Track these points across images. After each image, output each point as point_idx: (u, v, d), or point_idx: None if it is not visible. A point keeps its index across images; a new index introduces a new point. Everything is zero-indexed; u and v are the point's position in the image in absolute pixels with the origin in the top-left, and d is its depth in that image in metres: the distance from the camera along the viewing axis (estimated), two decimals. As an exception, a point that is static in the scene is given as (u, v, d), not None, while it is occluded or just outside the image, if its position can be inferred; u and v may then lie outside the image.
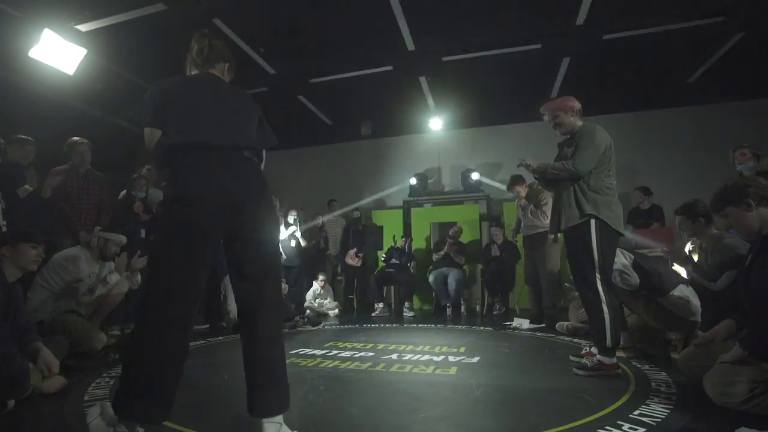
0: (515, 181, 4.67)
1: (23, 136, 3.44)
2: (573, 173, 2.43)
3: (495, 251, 5.55)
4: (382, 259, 6.05)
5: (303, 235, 5.88)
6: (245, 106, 1.63)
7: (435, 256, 5.83)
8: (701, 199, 2.77)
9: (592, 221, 2.38)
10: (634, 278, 2.63)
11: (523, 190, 4.60)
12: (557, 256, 4.40)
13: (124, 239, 3.37)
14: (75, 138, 3.71)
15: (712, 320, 2.47)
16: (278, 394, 1.48)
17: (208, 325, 4.41)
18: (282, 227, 5.40)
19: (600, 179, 2.44)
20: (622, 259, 2.65)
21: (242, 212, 1.45)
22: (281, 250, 5.26)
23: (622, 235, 2.52)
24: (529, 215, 4.47)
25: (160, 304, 1.37)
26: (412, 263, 6.06)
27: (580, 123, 2.57)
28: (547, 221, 4.22)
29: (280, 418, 1.46)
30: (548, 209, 4.27)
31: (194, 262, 1.40)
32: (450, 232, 5.96)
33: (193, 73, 1.66)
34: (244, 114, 1.60)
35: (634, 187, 5.55)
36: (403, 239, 6.27)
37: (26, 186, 3.21)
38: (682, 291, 2.60)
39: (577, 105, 2.59)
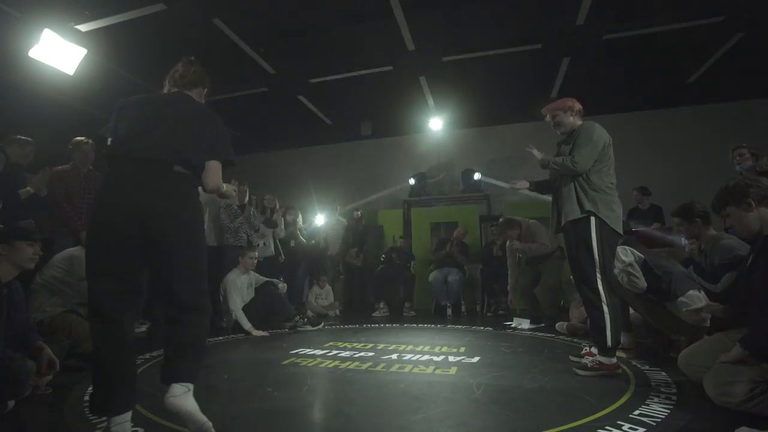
0: (508, 225, 4.61)
1: (22, 137, 3.42)
2: (571, 169, 2.44)
3: (496, 251, 5.53)
4: (382, 259, 6.03)
5: (302, 234, 5.88)
6: (195, 119, 1.68)
7: (437, 255, 5.83)
8: (700, 199, 2.76)
9: (592, 219, 2.38)
10: (642, 281, 2.58)
11: (514, 234, 4.54)
12: (561, 271, 4.44)
13: None
14: (80, 138, 3.71)
15: (712, 321, 2.48)
16: (183, 365, 1.52)
17: None
18: (281, 226, 5.39)
19: (600, 177, 2.44)
20: (630, 259, 2.62)
21: (151, 222, 1.51)
22: (280, 249, 5.27)
23: (621, 235, 2.51)
24: (528, 251, 4.46)
25: (90, 299, 1.52)
26: (412, 263, 6.06)
27: (579, 122, 2.58)
28: (546, 244, 4.37)
29: (188, 384, 1.50)
30: (541, 237, 4.40)
31: (107, 260, 1.50)
32: (455, 233, 5.96)
33: (172, 90, 1.80)
34: (187, 127, 1.64)
35: (633, 188, 5.55)
36: (402, 240, 6.26)
37: (28, 188, 3.19)
38: (691, 297, 2.53)
39: (577, 105, 2.60)
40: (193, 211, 1.65)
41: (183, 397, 1.46)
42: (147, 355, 3.05)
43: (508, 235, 4.60)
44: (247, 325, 3.97)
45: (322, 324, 4.49)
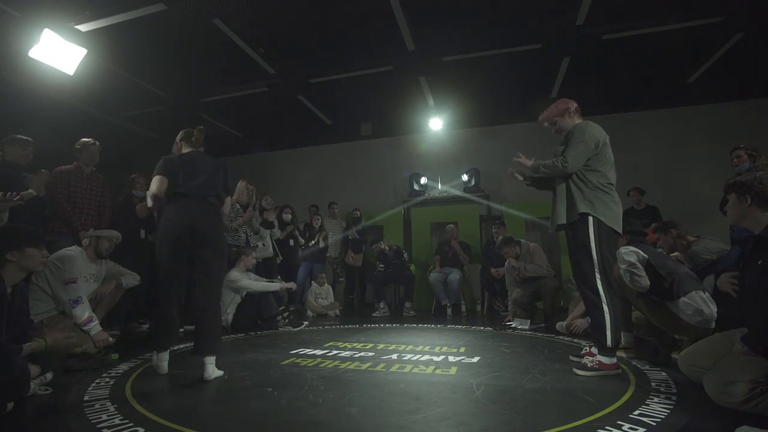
0: (506, 243, 4.74)
1: (23, 137, 3.41)
2: (561, 170, 2.43)
3: (495, 273, 5.50)
4: (381, 268, 6.00)
5: (301, 234, 5.87)
6: (214, 169, 2.70)
7: (439, 258, 5.81)
8: (699, 198, 2.79)
9: (590, 219, 2.37)
10: (644, 280, 2.58)
11: (512, 252, 4.64)
12: (558, 293, 4.58)
13: (116, 234, 3.33)
14: (87, 139, 3.70)
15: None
16: (211, 343, 2.46)
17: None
18: (277, 228, 5.40)
19: (598, 177, 2.43)
20: (633, 258, 2.62)
21: (198, 232, 2.52)
22: (277, 250, 5.28)
23: (620, 234, 2.50)
24: (524, 270, 4.54)
25: (162, 278, 2.51)
26: (406, 255, 6.02)
27: (577, 122, 2.57)
28: (543, 267, 4.51)
29: (212, 359, 2.42)
30: (540, 259, 4.53)
31: (173, 255, 2.50)
32: (449, 233, 5.96)
33: (185, 150, 2.75)
34: (212, 175, 2.68)
35: (630, 188, 5.54)
36: (386, 241, 6.22)
37: (30, 190, 3.17)
38: (693, 298, 2.51)
39: (572, 106, 2.59)
40: (221, 225, 2.76)
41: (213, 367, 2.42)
42: (147, 355, 3.05)
43: (505, 251, 4.66)
44: (274, 286, 4.29)
45: (304, 324, 4.46)
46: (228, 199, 2.77)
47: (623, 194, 5.37)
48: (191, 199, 2.57)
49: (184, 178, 2.60)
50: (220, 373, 2.41)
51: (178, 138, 2.78)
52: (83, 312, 2.81)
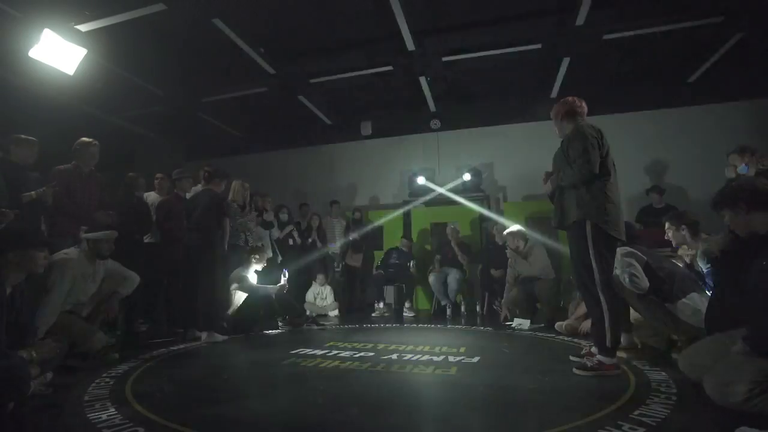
0: (517, 234, 4.76)
1: (28, 137, 3.39)
2: (587, 175, 2.37)
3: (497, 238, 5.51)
4: (378, 264, 5.97)
5: (300, 234, 5.87)
6: (207, 204, 3.84)
7: (439, 259, 5.82)
8: (699, 198, 2.78)
9: (587, 224, 2.38)
10: (644, 282, 2.58)
11: (522, 243, 4.66)
12: (555, 296, 4.63)
13: (113, 234, 3.30)
14: (87, 139, 3.69)
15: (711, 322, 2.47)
16: (202, 322, 3.70)
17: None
18: (276, 228, 5.40)
19: (598, 178, 2.43)
20: (631, 260, 2.62)
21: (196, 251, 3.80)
22: (277, 251, 5.29)
23: (621, 239, 2.48)
24: (519, 264, 4.59)
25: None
26: (412, 263, 6.05)
27: (571, 125, 2.57)
28: (537, 269, 4.53)
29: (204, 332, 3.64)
30: (534, 259, 4.59)
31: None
32: (449, 234, 5.96)
33: (200, 187, 4.09)
34: (205, 210, 3.83)
35: (634, 188, 5.54)
36: (404, 240, 6.25)
37: (32, 193, 3.16)
38: (693, 299, 2.52)
39: (562, 109, 2.60)
40: (210, 248, 3.81)
41: (209, 336, 3.64)
42: (146, 355, 3.05)
43: (508, 238, 4.66)
44: (272, 290, 4.32)
45: (304, 325, 4.46)
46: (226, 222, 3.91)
47: (641, 194, 5.41)
48: (191, 229, 3.86)
49: (188, 215, 3.95)
50: (220, 338, 3.64)
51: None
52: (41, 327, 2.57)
